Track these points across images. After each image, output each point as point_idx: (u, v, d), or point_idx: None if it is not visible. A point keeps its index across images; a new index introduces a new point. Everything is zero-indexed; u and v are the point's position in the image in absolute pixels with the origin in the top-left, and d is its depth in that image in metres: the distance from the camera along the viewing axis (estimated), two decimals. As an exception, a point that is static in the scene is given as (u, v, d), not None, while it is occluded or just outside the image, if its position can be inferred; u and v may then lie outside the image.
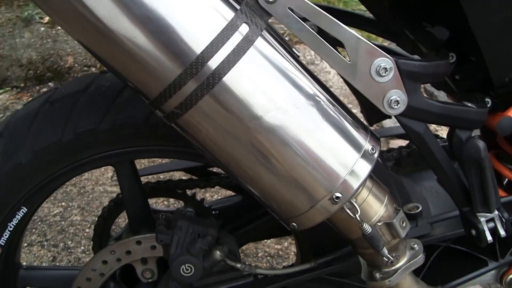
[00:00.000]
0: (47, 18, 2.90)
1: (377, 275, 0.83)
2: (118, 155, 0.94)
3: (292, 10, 0.70)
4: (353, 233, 0.79)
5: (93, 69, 2.77)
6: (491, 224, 0.86)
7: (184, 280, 0.93)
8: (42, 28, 2.86)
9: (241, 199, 1.26)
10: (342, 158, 0.72)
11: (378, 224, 0.78)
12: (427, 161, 0.84)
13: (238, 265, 0.95)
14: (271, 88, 0.68)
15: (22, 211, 0.94)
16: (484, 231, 0.85)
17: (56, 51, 2.77)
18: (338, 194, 0.72)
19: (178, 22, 0.64)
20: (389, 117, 0.80)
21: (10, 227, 0.95)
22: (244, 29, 0.66)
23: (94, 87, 0.91)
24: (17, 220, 0.94)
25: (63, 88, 0.94)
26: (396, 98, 0.75)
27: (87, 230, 1.86)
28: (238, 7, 0.67)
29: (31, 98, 1.01)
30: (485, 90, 0.94)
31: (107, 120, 0.88)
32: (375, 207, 0.78)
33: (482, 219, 0.86)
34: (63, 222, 1.89)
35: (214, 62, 0.65)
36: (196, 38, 0.65)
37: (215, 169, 1.23)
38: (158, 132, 0.90)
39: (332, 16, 0.71)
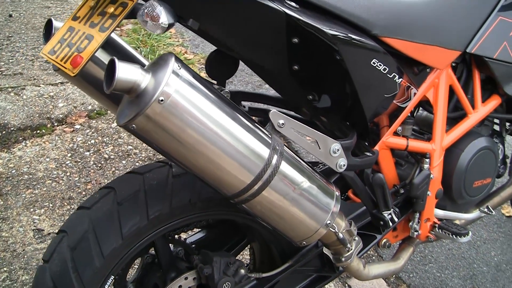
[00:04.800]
0: None
1: (343, 259, 1.47)
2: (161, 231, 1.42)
3: (292, 128, 1.28)
4: (330, 238, 1.41)
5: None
6: (390, 216, 1.55)
7: (225, 293, 1.46)
8: None
9: (206, 233, 1.78)
10: (327, 203, 1.32)
11: (343, 231, 1.41)
12: (354, 189, 1.49)
13: (253, 275, 1.51)
14: (296, 175, 1.26)
15: (111, 279, 1.37)
16: (388, 221, 1.54)
17: None
18: (328, 222, 1.33)
19: (250, 154, 1.18)
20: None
21: (103, 291, 1.37)
22: (278, 146, 1.23)
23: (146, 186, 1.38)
24: (108, 286, 1.37)
25: (118, 193, 1.38)
26: (343, 163, 1.37)
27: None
28: (269, 135, 1.23)
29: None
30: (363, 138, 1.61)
31: (166, 207, 1.36)
32: (341, 223, 1.40)
33: (385, 214, 1.54)
34: (15, 284, 2.18)
35: (270, 168, 1.20)
36: (259, 159, 1.19)
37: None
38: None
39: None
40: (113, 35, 1.40)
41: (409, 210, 1.75)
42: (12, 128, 2.99)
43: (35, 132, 3.03)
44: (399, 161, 1.84)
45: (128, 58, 1.44)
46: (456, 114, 1.80)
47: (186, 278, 1.48)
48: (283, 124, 1.27)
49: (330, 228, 1.35)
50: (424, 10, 1.52)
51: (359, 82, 1.40)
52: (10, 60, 3.58)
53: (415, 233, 1.78)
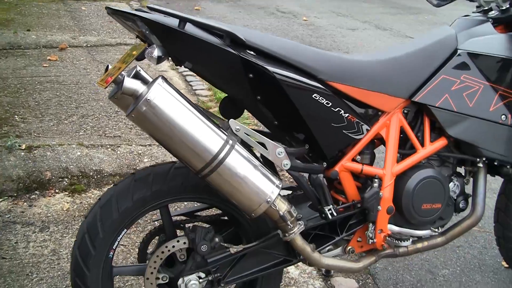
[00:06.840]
0: (24, 145, 3.95)
1: (286, 235, 2.02)
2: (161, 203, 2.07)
3: (245, 133, 1.92)
4: (274, 216, 1.97)
5: (66, 179, 3.80)
6: (330, 212, 2.09)
7: (203, 253, 2.05)
8: (22, 153, 3.89)
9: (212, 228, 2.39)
10: (268, 186, 1.87)
11: (285, 212, 1.97)
12: (300, 187, 2.07)
13: (225, 244, 2.09)
14: (243, 161, 1.87)
15: (124, 231, 2.02)
16: (327, 214, 2.08)
17: (37, 169, 3.76)
18: (268, 199, 1.89)
19: (209, 141, 1.81)
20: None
21: (118, 240, 2.02)
22: (231, 141, 1.86)
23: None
24: (121, 237, 2.02)
25: (136, 175, 2.06)
26: (286, 162, 1.96)
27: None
28: (226, 133, 1.87)
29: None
30: (323, 159, 2.19)
31: (164, 186, 2.02)
32: (282, 205, 1.95)
33: (326, 209, 2.09)
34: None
35: (223, 152, 1.82)
36: (216, 145, 1.81)
37: (199, 213, 2.37)
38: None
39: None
40: (142, 72, 2.12)
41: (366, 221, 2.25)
42: (105, 174, 3.82)
43: (122, 178, 3.84)
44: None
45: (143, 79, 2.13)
46: (409, 151, 2.31)
47: (178, 241, 2.08)
48: (238, 129, 1.90)
49: (272, 206, 1.91)
50: (372, 65, 2.10)
51: (305, 112, 1.97)
52: (114, 127, 4.53)
53: (370, 240, 2.26)
